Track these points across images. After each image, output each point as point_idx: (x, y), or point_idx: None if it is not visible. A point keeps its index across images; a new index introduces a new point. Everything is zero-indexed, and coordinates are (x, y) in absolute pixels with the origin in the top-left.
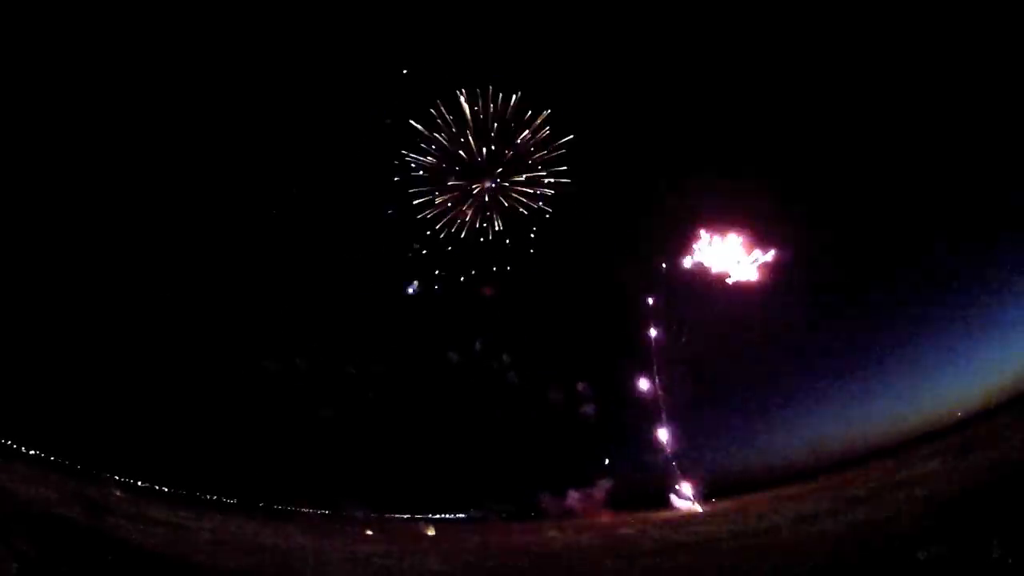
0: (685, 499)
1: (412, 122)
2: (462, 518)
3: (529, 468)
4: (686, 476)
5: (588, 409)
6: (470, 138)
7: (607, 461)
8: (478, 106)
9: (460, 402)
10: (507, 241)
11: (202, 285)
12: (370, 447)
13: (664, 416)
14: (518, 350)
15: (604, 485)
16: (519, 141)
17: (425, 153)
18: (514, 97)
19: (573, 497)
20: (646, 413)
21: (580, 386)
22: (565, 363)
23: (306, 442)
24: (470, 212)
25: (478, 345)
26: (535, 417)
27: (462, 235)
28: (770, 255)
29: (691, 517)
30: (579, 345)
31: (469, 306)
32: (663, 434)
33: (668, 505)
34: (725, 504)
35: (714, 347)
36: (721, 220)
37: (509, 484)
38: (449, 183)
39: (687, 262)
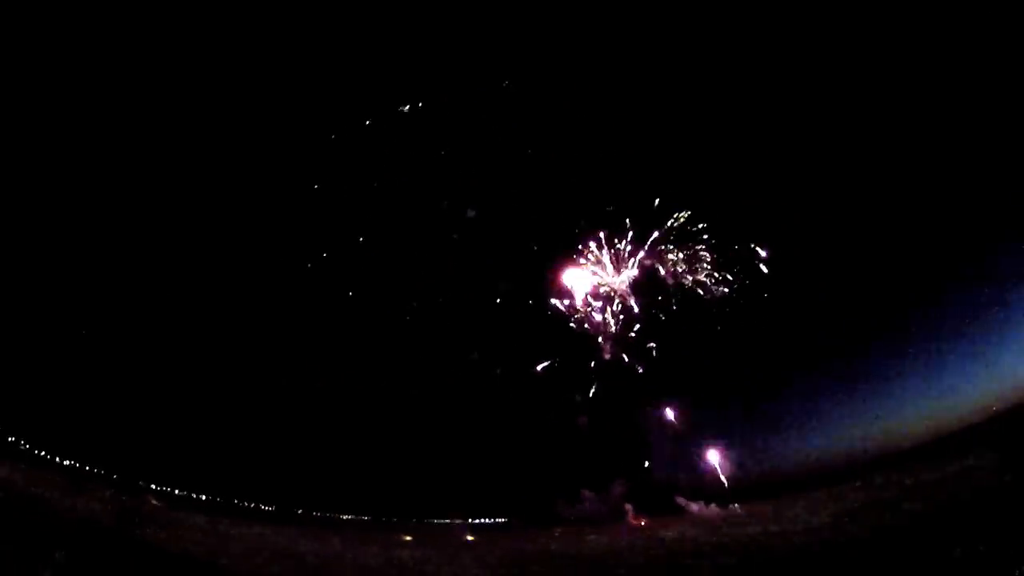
0: (723, 501)
1: None
2: (500, 523)
3: (566, 472)
4: (723, 478)
5: (624, 412)
6: None
7: (645, 464)
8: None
9: (496, 407)
10: None
11: (239, 298)
12: (408, 453)
13: (700, 418)
14: (550, 354)
15: (642, 488)
16: None
17: None
18: None
19: (611, 500)
20: (682, 415)
21: (614, 389)
22: (594, 365)
23: (343, 449)
24: None
25: (515, 349)
26: (570, 421)
27: None
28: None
29: (730, 519)
30: (606, 347)
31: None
32: (699, 436)
33: (706, 507)
34: (764, 506)
35: (747, 347)
36: (736, 224)
37: (545, 488)
38: None
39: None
